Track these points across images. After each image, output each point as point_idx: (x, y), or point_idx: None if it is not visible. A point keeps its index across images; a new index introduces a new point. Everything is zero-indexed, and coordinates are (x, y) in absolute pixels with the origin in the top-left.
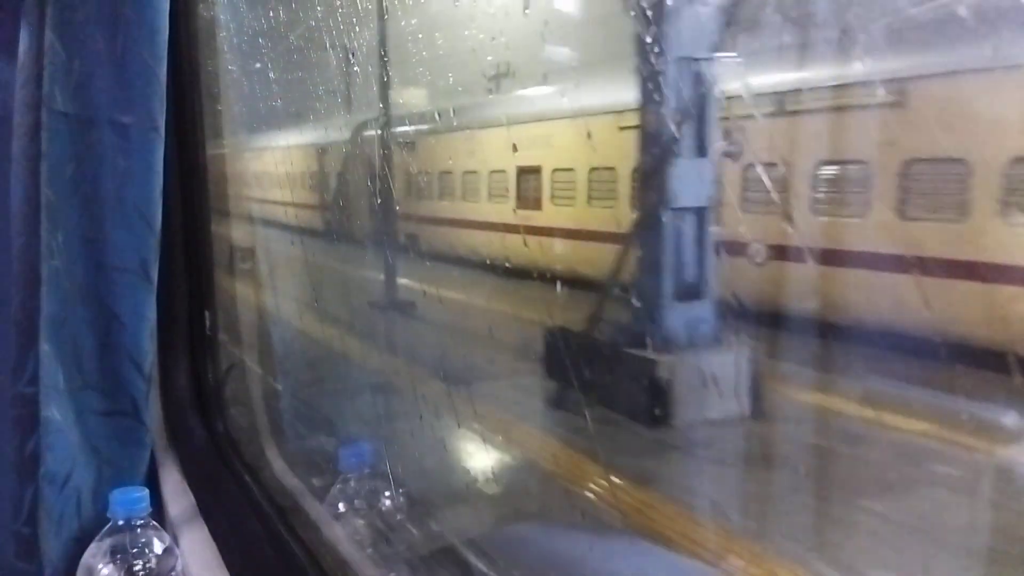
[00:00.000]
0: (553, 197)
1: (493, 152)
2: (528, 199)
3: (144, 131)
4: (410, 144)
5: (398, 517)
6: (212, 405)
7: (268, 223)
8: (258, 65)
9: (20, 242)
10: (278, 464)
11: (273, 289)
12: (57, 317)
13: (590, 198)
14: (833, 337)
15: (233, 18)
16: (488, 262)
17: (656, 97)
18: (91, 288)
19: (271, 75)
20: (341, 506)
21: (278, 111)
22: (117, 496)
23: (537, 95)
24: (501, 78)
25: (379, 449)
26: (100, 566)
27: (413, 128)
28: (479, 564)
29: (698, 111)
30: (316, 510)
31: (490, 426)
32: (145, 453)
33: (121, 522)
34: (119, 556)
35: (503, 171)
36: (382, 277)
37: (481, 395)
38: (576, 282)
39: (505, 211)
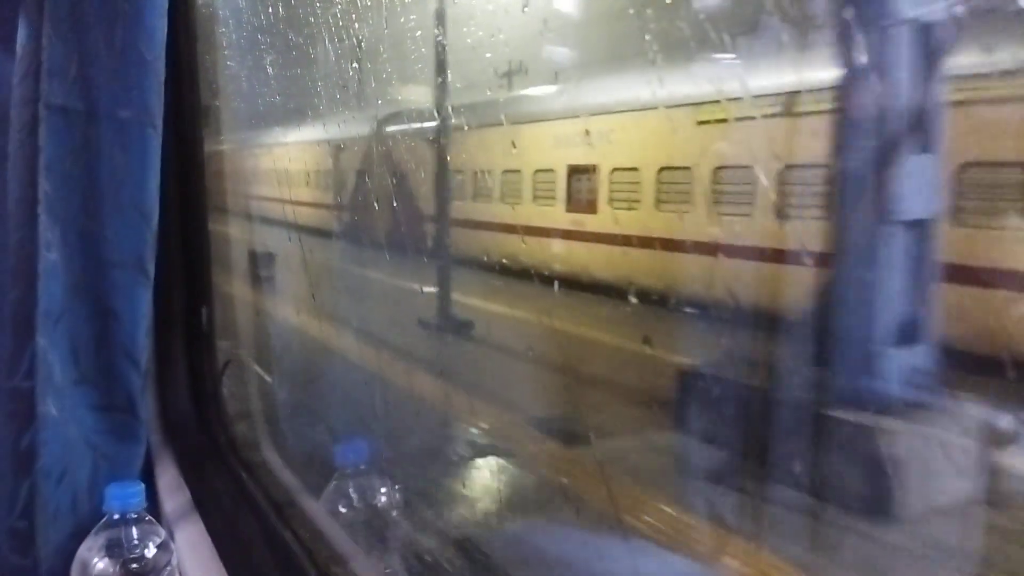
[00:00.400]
0: (612, 200)
1: (538, 149)
2: (580, 201)
3: (142, 126)
4: (439, 140)
5: (394, 513)
6: (208, 400)
7: (285, 225)
8: (268, 59)
9: (17, 236)
10: (274, 460)
11: (302, 302)
12: (54, 312)
13: (659, 201)
14: None
15: (237, 11)
16: (536, 271)
17: (867, 72)
18: (88, 283)
19: (280, 69)
20: (337, 502)
21: (287, 106)
22: (113, 491)
23: (592, 87)
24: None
25: None
26: (95, 560)
27: (435, 124)
28: (479, 563)
29: (925, 92)
30: (312, 506)
31: (659, 520)
32: (141, 448)
33: (117, 517)
34: (114, 551)
35: (550, 170)
36: (423, 288)
37: (610, 459)
38: (650, 297)
39: (553, 214)
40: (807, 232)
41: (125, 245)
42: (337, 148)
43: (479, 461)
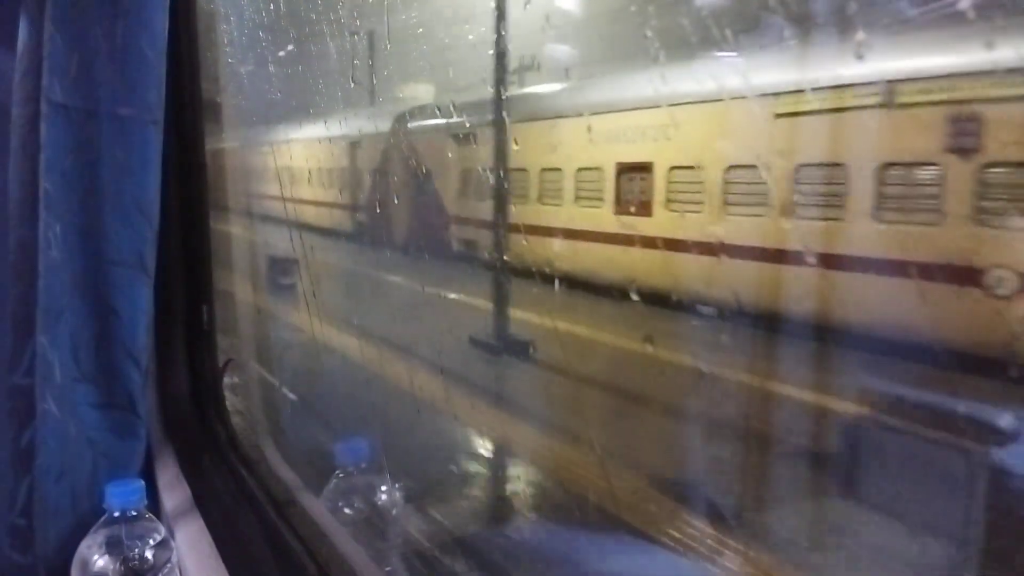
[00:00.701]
0: (669, 201)
1: (581, 146)
2: (631, 203)
3: (143, 124)
4: (469, 136)
5: (394, 512)
6: (208, 398)
7: (304, 228)
8: (279, 54)
9: (17, 234)
10: (274, 458)
11: (329, 313)
12: (54, 309)
13: (726, 203)
14: None
15: (243, 6)
16: (583, 280)
17: None
18: (88, 281)
19: (293, 63)
20: (337, 500)
21: (298, 102)
22: (113, 489)
23: (645, 77)
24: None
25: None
26: (95, 558)
27: (461, 119)
28: (478, 562)
29: None
30: (312, 504)
31: None
32: (141, 446)
33: (117, 514)
34: (114, 548)
35: (597, 168)
36: (465, 299)
37: (783, 546)
38: (732, 314)
39: (598, 217)
40: (951, 240)
41: (126, 243)
42: (354, 145)
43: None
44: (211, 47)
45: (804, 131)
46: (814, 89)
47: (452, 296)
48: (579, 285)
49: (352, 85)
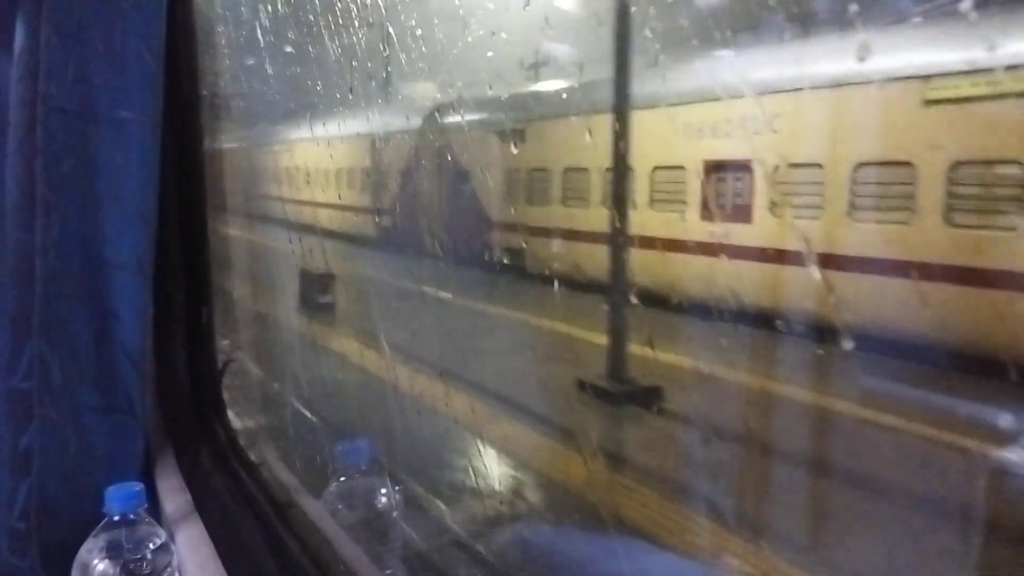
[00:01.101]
0: (775, 204)
1: (658, 142)
2: (724, 206)
3: (141, 127)
4: (515, 133)
5: (394, 514)
6: (208, 400)
7: (336, 236)
8: (288, 49)
9: (15, 237)
10: (274, 460)
11: (378, 341)
12: (52, 313)
13: (854, 207)
14: None
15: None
16: (662, 296)
17: None
18: (87, 284)
19: (306, 59)
20: (338, 503)
21: (312, 99)
22: (112, 492)
23: (744, 59)
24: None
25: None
26: (95, 562)
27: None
28: (478, 562)
29: None
30: (313, 507)
31: None
32: (140, 449)
33: (116, 518)
34: (114, 552)
35: (679, 167)
36: (545, 324)
37: None
38: (904, 347)
39: (680, 223)
40: None
41: (124, 246)
42: (382, 142)
43: None
44: (210, 49)
45: (966, 121)
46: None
47: (526, 319)
48: (657, 302)
49: (372, 83)
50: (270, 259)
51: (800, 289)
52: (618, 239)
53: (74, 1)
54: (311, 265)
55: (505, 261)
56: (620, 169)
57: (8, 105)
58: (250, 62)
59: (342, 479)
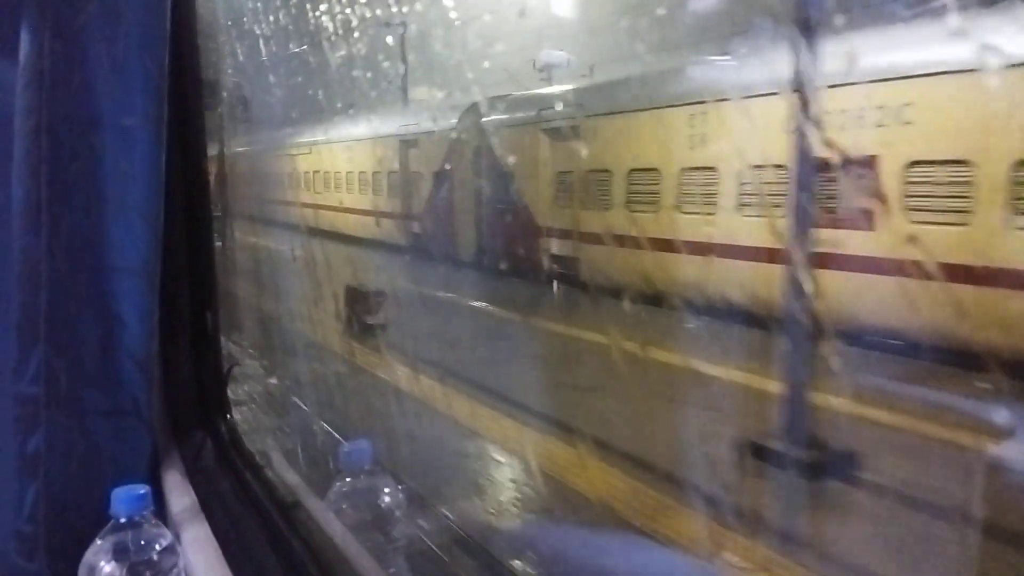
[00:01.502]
0: (907, 208)
1: (746, 136)
2: (837, 210)
3: (145, 133)
4: (570, 130)
5: (397, 514)
6: (214, 404)
7: (377, 246)
8: (304, 47)
9: (22, 243)
10: (279, 461)
11: (456, 375)
12: (59, 317)
13: (1019, 211)
14: None
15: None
16: (762, 316)
17: None
18: (93, 289)
19: (326, 59)
20: (341, 503)
21: (331, 99)
22: (119, 494)
23: (859, 41)
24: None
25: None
26: (102, 564)
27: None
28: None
29: None
30: (317, 507)
31: None
32: (147, 452)
33: (123, 520)
34: (121, 554)
35: (777, 166)
36: (704, 369)
37: None
38: None
39: (770, 230)
40: None
41: (130, 251)
42: (405, 143)
43: None
44: (214, 55)
45: None
46: None
47: (618, 345)
48: (757, 323)
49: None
50: (295, 269)
51: (945, 312)
52: (795, 256)
53: (78, 9)
54: (354, 280)
55: (557, 270)
56: (805, 165)
57: (14, 113)
58: (266, 66)
59: (346, 478)
